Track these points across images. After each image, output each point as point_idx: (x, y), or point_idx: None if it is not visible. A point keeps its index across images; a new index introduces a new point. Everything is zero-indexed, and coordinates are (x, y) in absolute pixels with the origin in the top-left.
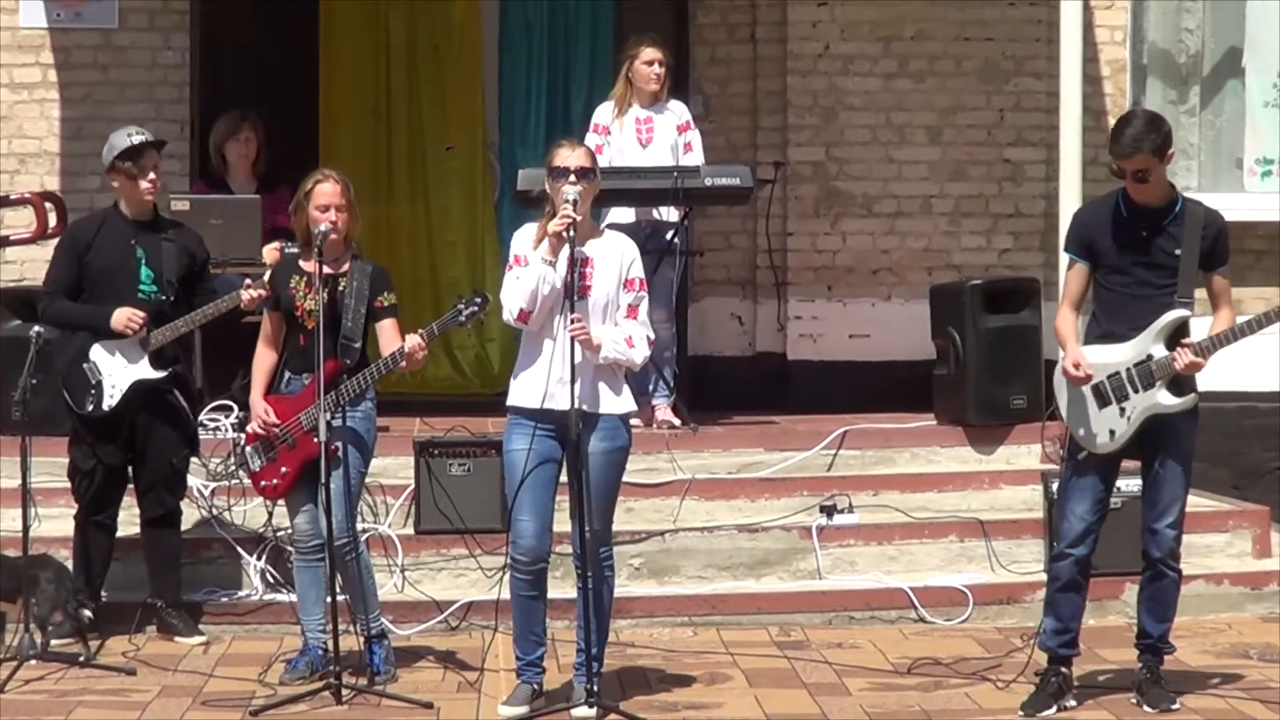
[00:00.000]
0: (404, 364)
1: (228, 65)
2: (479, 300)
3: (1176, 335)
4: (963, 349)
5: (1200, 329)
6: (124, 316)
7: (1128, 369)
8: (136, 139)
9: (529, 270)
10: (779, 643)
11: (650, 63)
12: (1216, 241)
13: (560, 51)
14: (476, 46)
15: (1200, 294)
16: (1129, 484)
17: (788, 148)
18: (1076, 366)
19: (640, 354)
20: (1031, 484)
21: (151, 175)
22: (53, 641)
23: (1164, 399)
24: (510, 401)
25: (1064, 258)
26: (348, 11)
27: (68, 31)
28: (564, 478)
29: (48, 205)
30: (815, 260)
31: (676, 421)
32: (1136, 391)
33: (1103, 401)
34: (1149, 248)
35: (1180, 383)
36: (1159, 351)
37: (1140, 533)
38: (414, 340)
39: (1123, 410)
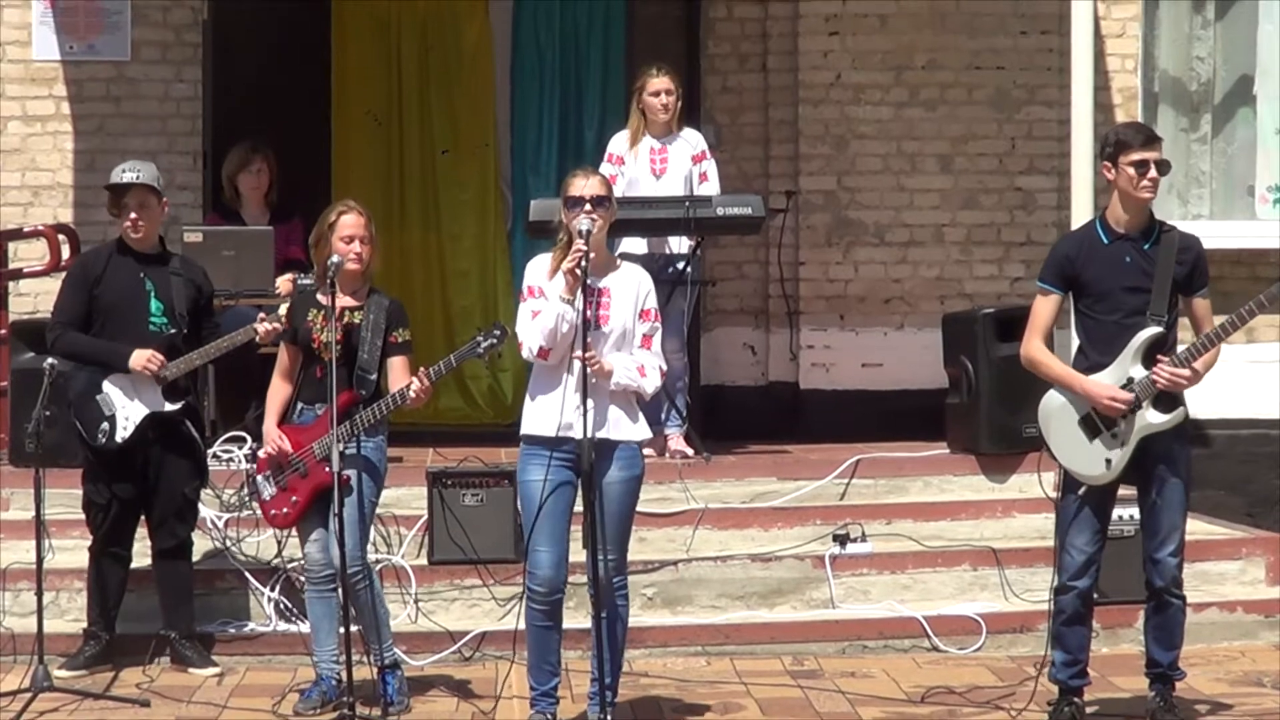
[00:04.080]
0: (410, 402)
1: (240, 97)
2: (497, 333)
3: (1153, 353)
4: (975, 377)
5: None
6: (143, 358)
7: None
8: (126, 177)
9: (547, 308)
10: (792, 672)
11: (657, 93)
12: (1196, 264)
13: (572, 80)
14: (489, 76)
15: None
16: (1136, 511)
17: (799, 177)
18: (1113, 400)
19: (651, 383)
20: (1044, 512)
21: (133, 215)
22: (67, 673)
23: (1153, 418)
24: (525, 430)
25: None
26: (359, 43)
27: (80, 64)
28: (578, 507)
29: (61, 238)
30: (827, 289)
31: (689, 451)
32: (1124, 416)
33: (1092, 432)
34: (1134, 273)
35: (1167, 400)
36: (1138, 372)
37: (1144, 562)
38: (417, 385)
39: (1115, 436)
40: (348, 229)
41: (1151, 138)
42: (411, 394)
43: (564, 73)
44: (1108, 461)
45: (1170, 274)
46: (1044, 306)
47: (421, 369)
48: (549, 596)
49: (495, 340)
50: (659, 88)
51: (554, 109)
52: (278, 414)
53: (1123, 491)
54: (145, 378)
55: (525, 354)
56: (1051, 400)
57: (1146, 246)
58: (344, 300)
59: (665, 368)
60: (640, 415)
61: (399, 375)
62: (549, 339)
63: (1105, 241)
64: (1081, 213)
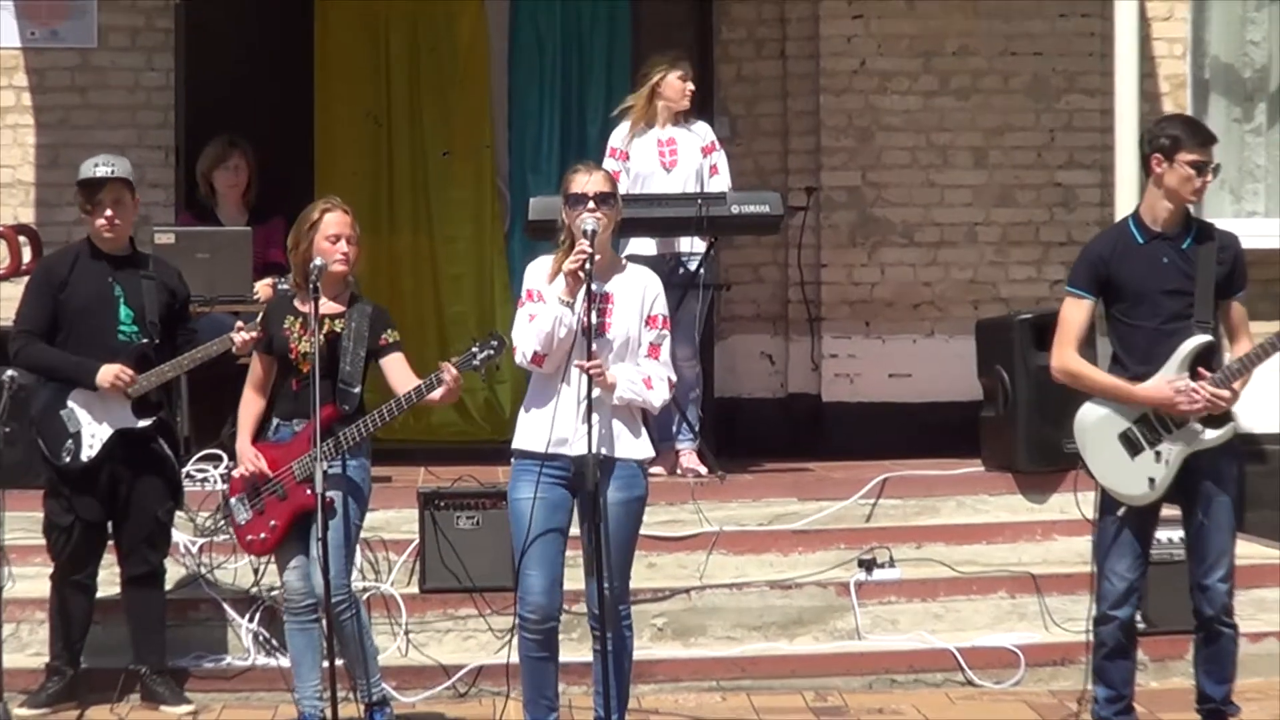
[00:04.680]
0: (440, 395)
1: (216, 87)
2: (494, 344)
3: (1198, 364)
4: (1012, 389)
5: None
6: (111, 375)
7: (1154, 409)
8: (100, 171)
9: (544, 311)
10: (815, 709)
11: (686, 77)
12: (1235, 265)
13: (574, 71)
14: (484, 66)
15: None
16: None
17: (821, 172)
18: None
19: (659, 396)
20: (1088, 534)
21: (108, 212)
22: (28, 711)
23: (1201, 433)
24: (516, 444)
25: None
26: (344, 28)
27: (43, 51)
28: (574, 530)
29: (21, 239)
30: (851, 293)
31: (702, 469)
32: (1169, 431)
33: (1134, 449)
34: (1173, 275)
35: (1216, 414)
36: (1184, 384)
37: (1191, 590)
38: (452, 370)
39: (1158, 455)
40: (333, 227)
41: (1211, 138)
42: (442, 388)
43: (565, 61)
44: (1150, 480)
45: (1213, 275)
46: (1075, 313)
47: (443, 362)
48: (542, 624)
49: (492, 351)
50: (689, 73)
51: (554, 101)
52: (251, 430)
53: (1167, 511)
54: (114, 392)
55: (519, 359)
56: (1088, 413)
57: (1185, 246)
58: (324, 307)
59: (674, 379)
60: (644, 432)
61: (401, 374)
62: (544, 343)
63: (1140, 241)
64: (1126, 210)
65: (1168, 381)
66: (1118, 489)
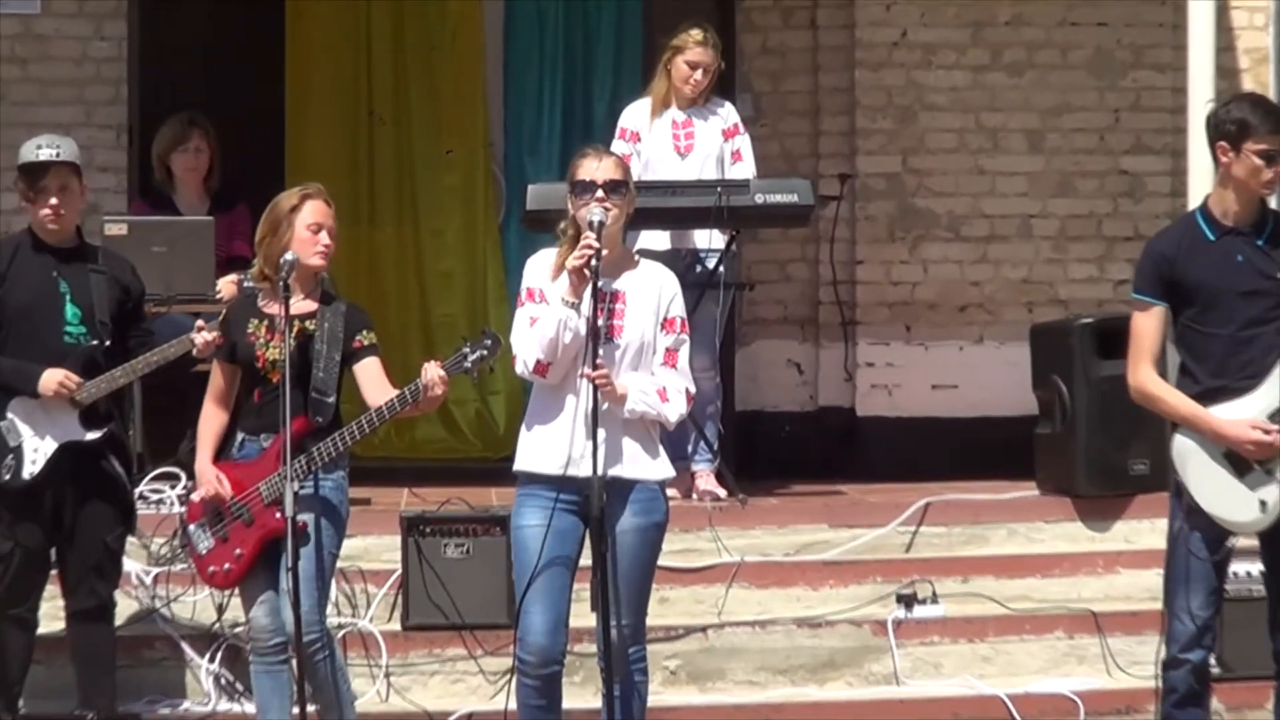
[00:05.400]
0: (421, 404)
1: (174, 59)
2: (488, 343)
3: None
4: (1071, 402)
5: None
6: (54, 381)
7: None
8: (44, 154)
9: (547, 314)
10: None
11: (695, 65)
12: None
13: (579, 42)
14: (477, 37)
15: None
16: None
17: (856, 157)
18: (1258, 440)
19: (675, 410)
20: (1156, 567)
21: (54, 201)
22: None
23: None
24: (520, 465)
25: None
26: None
27: None
28: (584, 560)
29: None
30: (890, 294)
31: (721, 492)
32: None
33: (1240, 468)
34: (1249, 275)
35: None
36: (1261, 434)
37: (1271, 629)
38: (434, 371)
39: (1270, 472)
40: (315, 215)
41: None
42: (425, 382)
43: (569, 33)
44: (1262, 504)
45: None
46: (1147, 323)
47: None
48: (542, 669)
49: (485, 351)
50: (697, 60)
51: (556, 77)
52: (212, 447)
53: (1244, 543)
54: (59, 401)
55: (520, 369)
56: (1184, 442)
57: (1260, 242)
58: (295, 306)
59: (693, 391)
60: (661, 449)
61: (374, 382)
62: (548, 351)
63: (1210, 237)
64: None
65: (1250, 424)
66: (1228, 517)
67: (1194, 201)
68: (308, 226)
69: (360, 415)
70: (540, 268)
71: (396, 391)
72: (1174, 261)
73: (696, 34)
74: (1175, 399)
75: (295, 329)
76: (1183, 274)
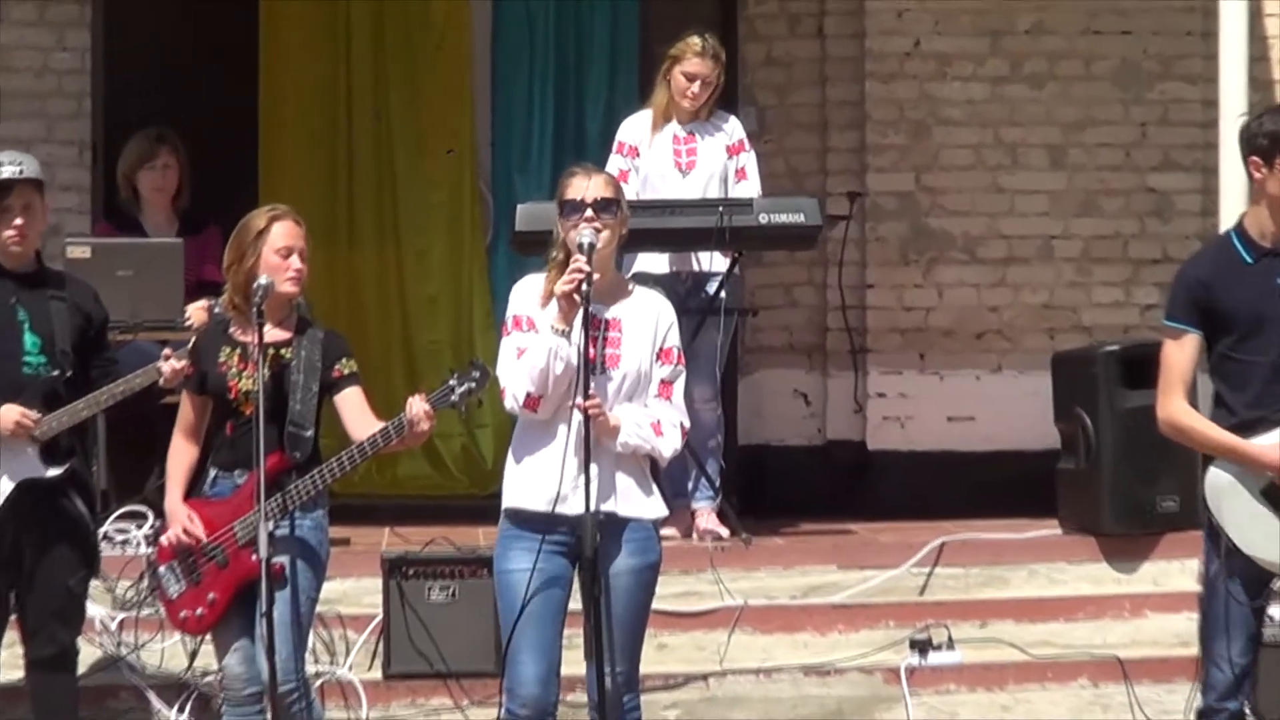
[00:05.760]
0: (405, 440)
1: (141, 71)
2: (476, 374)
3: None
4: (1095, 435)
5: None
6: (13, 417)
7: None
8: (6, 171)
9: (537, 343)
10: None
11: (693, 78)
12: None
13: (571, 52)
14: (464, 48)
15: None
16: None
17: (866, 174)
18: None
19: (669, 445)
20: (1186, 610)
21: (18, 221)
22: None
23: None
24: (508, 503)
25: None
26: (297, 5)
27: None
28: (574, 604)
29: None
30: (903, 320)
31: (723, 531)
32: None
33: (1278, 502)
34: None
35: None
36: None
37: None
38: (420, 406)
39: None
40: (284, 239)
41: None
42: (410, 417)
43: (560, 44)
44: None
45: None
46: (1179, 352)
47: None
48: None
49: (473, 384)
50: (695, 71)
51: (547, 90)
52: (183, 484)
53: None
54: (17, 437)
55: (509, 403)
56: (1222, 474)
57: None
58: (269, 334)
59: (688, 425)
60: (654, 487)
61: (357, 414)
62: (539, 383)
63: (1248, 260)
64: (1233, 220)
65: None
66: (1269, 558)
67: (1225, 221)
68: (276, 251)
69: (341, 451)
70: (527, 294)
71: (380, 425)
72: (1210, 287)
73: (695, 43)
74: (1209, 430)
75: (270, 357)
76: (1219, 300)
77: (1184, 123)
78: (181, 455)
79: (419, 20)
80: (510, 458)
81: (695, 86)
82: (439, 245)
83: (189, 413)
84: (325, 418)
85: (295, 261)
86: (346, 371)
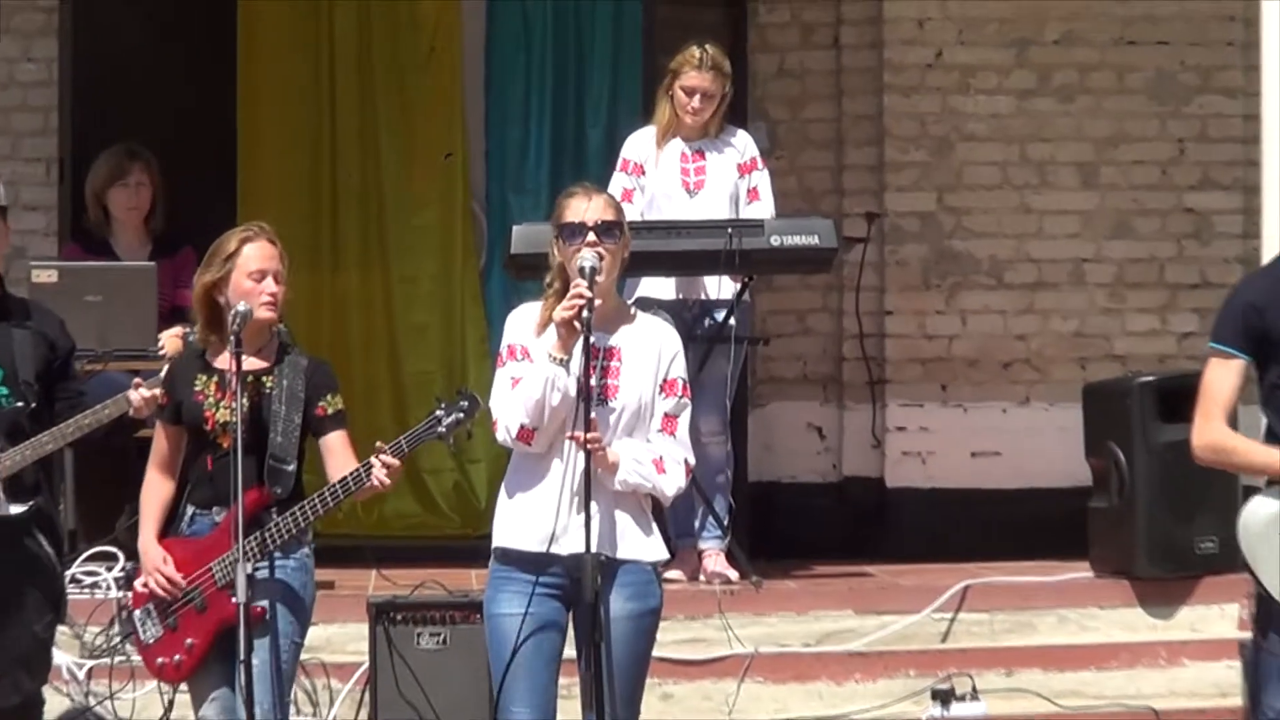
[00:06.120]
0: (367, 490)
1: (112, 84)
2: (465, 404)
3: None
4: (1130, 472)
5: None
6: None
7: None
8: None
9: (532, 372)
10: None
11: (692, 91)
12: None
13: (571, 63)
14: (455, 58)
15: None
16: None
17: (885, 194)
18: None
19: (672, 483)
20: (1227, 658)
21: None
22: None
23: None
24: (498, 542)
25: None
26: (277, 11)
27: None
28: (570, 650)
29: None
30: (924, 349)
31: (733, 573)
32: None
33: None
34: None
35: None
36: None
37: None
38: (379, 469)
39: None
40: (257, 260)
41: None
42: (373, 481)
43: (559, 53)
44: None
45: None
46: (1223, 376)
47: (380, 445)
48: None
49: (462, 414)
50: (694, 85)
51: (545, 101)
52: (158, 522)
53: None
54: None
55: (501, 436)
56: (1258, 509)
57: None
58: (247, 363)
59: (694, 462)
60: (655, 528)
61: (337, 458)
62: (534, 415)
63: None
64: (1276, 242)
65: None
66: None
67: (1269, 243)
68: (249, 275)
69: (320, 490)
70: (523, 322)
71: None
72: (1263, 311)
73: (693, 56)
74: (1252, 448)
75: (249, 386)
76: (1273, 325)
77: (1224, 139)
78: (156, 491)
79: (408, 23)
80: (503, 493)
81: (696, 101)
82: (429, 270)
83: (163, 445)
84: (310, 450)
85: (270, 285)
86: (331, 410)
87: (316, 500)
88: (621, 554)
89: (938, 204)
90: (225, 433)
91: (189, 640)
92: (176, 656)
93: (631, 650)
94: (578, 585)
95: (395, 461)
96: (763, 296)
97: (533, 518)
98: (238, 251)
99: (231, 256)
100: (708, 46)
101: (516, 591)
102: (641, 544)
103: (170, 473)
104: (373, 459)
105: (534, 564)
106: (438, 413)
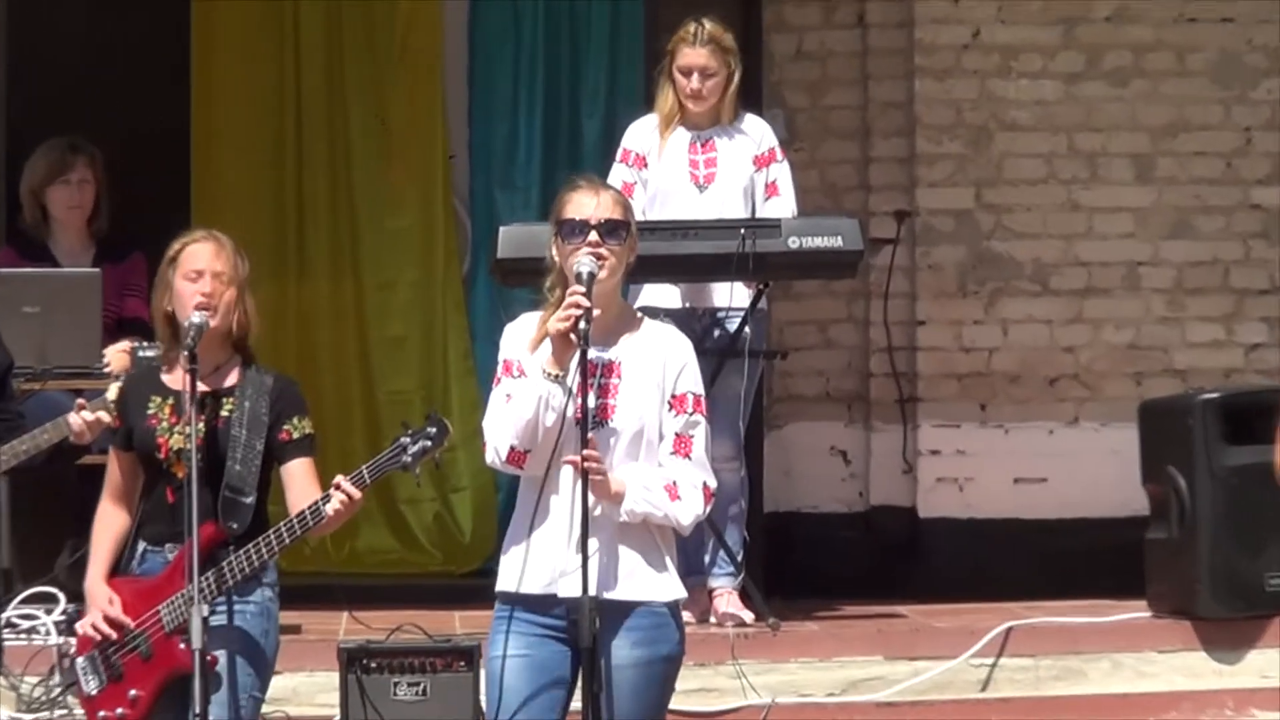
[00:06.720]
0: (324, 525)
1: (52, 74)
2: (433, 430)
3: None
4: (1191, 500)
5: None
6: None
7: None
8: None
9: (524, 389)
10: None
11: (689, 70)
12: None
13: (564, 47)
14: (435, 43)
15: None
16: None
17: (916, 189)
18: None
19: (689, 510)
20: None
21: None
22: None
23: None
24: (501, 585)
25: None
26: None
27: None
28: (576, 702)
29: None
30: (960, 363)
31: (747, 615)
32: None
33: None
34: None
35: None
36: None
37: None
38: (345, 492)
39: None
40: (193, 260)
41: None
42: (330, 511)
43: (551, 37)
44: None
45: None
46: None
47: (340, 477)
48: None
49: (429, 442)
50: (690, 64)
51: (535, 91)
52: (109, 559)
53: None
54: None
55: (489, 458)
56: None
57: None
58: (207, 382)
59: (713, 486)
60: (670, 563)
61: (302, 488)
62: (524, 436)
63: None
64: None
65: None
66: None
67: None
68: (185, 276)
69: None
70: (519, 336)
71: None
72: None
73: (688, 30)
74: None
75: (207, 409)
76: None
77: None
78: (108, 524)
79: (384, 17)
80: (510, 530)
81: (695, 80)
82: (406, 277)
83: (117, 474)
84: (276, 480)
85: (204, 284)
86: (297, 435)
87: (272, 536)
88: (627, 595)
89: (975, 201)
90: (180, 461)
91: (133, 692)
92: (119, 710)
93: (643, 700)
94: (580, 629)
95: (356, 493)
96: (780, 305)
97: (533, 557)
98: (178, 255)
99: (173, 261)
100: (704, 20)
101: (516, 634)
102: (651, 583)
103: (126, 504)
104: (331, 490)
105: (535, 606)
106: (403, 439)
